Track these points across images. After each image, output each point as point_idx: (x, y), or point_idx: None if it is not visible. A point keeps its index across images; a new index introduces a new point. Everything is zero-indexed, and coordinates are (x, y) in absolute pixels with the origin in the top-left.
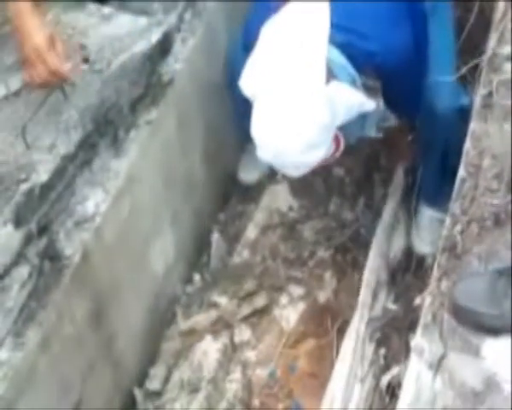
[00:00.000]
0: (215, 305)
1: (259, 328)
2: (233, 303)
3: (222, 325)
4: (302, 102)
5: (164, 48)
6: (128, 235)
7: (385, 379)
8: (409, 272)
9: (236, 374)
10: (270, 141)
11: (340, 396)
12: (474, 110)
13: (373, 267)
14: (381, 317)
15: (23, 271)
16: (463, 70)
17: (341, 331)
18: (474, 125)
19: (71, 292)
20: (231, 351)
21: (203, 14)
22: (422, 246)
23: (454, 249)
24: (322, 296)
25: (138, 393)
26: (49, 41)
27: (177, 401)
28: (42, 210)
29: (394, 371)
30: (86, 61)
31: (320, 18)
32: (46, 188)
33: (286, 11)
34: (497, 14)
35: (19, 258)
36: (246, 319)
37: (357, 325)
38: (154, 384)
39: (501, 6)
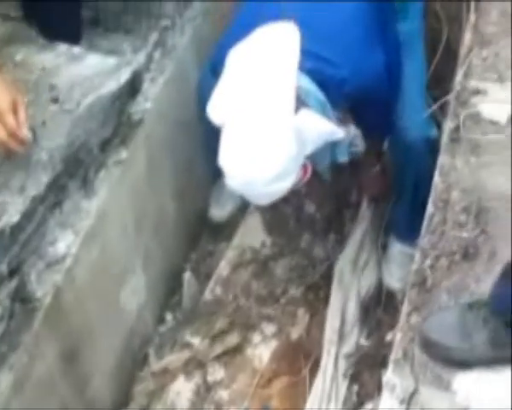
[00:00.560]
0: (188, 345)
1: (232, 367)
2: (205, 342)
3: (195, 365)
4: (270, 134)
5: (133, 87)
6: (99, 275)
7: None
8: (380, 308)
9: None
10: (237, 171)
11: None
12: (441, 144)
13: (336, 303)
14: (353, 353)
15: None
16: (434, 106)
17: (314, 369)
18: (441, 160)
19: (42, 334)
20: (204, 391)
21: (172, 53)
22: (392, 281)
23: (424, 284)
24: (295, 334)
25: None
26: (11, 105)
27: None
28: (12, 251)
29: (367, 407)
30: (55, 101)
31: (289, 44)
32: (17, 229)
33: (254, 36)
34: (464, 49)
35: None
36: (218, 358)
37: (325, 362)
38: None
39: (467, 41)
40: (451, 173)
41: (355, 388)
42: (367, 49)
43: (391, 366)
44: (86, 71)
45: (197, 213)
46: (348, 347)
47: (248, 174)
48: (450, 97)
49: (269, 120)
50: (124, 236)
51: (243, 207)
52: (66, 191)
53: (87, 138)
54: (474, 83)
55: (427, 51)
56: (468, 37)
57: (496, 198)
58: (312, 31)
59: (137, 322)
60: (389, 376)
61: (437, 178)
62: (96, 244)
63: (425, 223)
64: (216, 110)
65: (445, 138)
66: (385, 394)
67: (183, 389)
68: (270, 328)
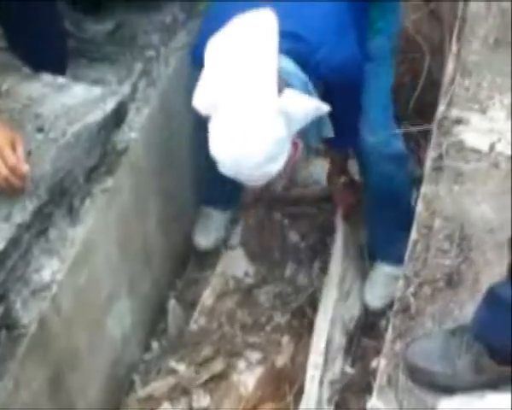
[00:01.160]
0: (173, 371)
1: (218, 393)
2: (191, 369)
3: (180, 392)
4: (256, 117)
5: (118, 117)
6: (85, 303)
7: None
8: (365, 335)
9: None
10: (227, 158)
11: None
12: (425, 173)
13: (320, 329)
14: (338, 380)
15: None
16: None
17: (299, 395)
18: (425, 188)
19: (28, 361)
20: None
21: (157, 84)
22: (374, 300)
23: (408, 311)
24: (280, 361)
25: None
26: (9, 142)
27: None
28: None
29: None
30: (41, 130)
31: (267, 28)
32: (2, 256)
33: (232, 24)
34: (446, 78)
35: None
36: (204, 384)
37: (309, 388)
38: None
39: (449, 70)
40: (434, 201)
41: None
42: (342, 34)
43: (375, 392)
44: (71, 100)
45: (183, 241)
46: (333, 373)
47: (238, 159)
48: (433, 126)
49: (254, 104)
50: (109, 263)
51: (227, 236)
52: (52, 219)
53: (72, 167)
54: (456, 112)
55: (409, 81)
56: (450, 66)
57: (479, 225)
58: (290, 12)
59: (123, 349)
60: (374, 402)
61: (420, 206)
62: (82, 272)
63: (408, 250)
64: (201, 101)
65: (428, 167)
66: None
67: None
68: (255, 355)
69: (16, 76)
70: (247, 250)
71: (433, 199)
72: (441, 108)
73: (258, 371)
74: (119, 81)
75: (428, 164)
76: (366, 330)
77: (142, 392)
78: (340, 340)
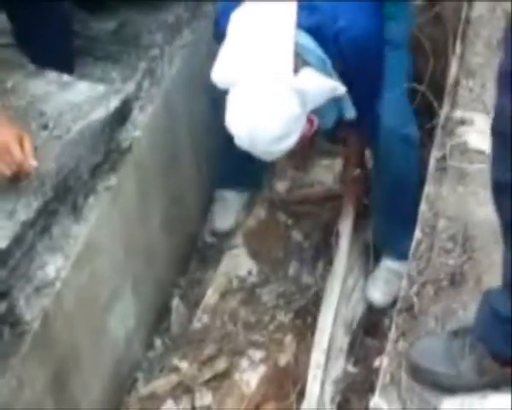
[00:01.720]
0: (176, 369)
1: (220, 392)
2: (194, 367)
3: (183, 390)
4: (270, 96)
5: (122, 115)
6: (88, 300)
7: None
8: (368, 334)
9: None
10: (242, 131)
11: None
12: (428, 174)
13: (323, 328)
14: (341, 379)
15: None
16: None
17: (302, 394)
18: (428, 188)
19: (31, 358)
20: None
21: (161, 82)
22: (377, 296)
23: (411, 310)
24: (283, 360)
25: None
26: (17, 138)
27: None
28: (1, 276)
29: None
30: (45, 127)
31: (287, 4)
32: (6, 254)
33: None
34: (450, 80)
35: None
36: (207, 383)
37: (311, 387)
38: None
39: (453, 72)
40: (438, 202)
41: None
42: (361, 7)
43: (378, 392)
44: (76, 98)
45: (187, 239)
46: (335, 373)
47: (253, 134)
48: (437, 128)
49: (269, 82)
50: (113, 261)
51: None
52: (56, 216)
53: (77, 164)
54: (460, 113)
55: (413, 75)
56: (454, 68)
57: (482, 226)
58: None
59: (126, 347)
60: (376, 401)
61: (424, 207)
62: (85, 269)
63: (412, 250)
64: (220, 74)
65: (431, 167)
66: None
67: None
68: (257, 354)
69: (21, 73)
70: (250, 249)
71: (436, 199)
72: (445, 109)
73: (261, 369)
74: (124, 79)
75: (432, 164)
76: (369, 329)
77: (144, 390)
78: (342, 339)
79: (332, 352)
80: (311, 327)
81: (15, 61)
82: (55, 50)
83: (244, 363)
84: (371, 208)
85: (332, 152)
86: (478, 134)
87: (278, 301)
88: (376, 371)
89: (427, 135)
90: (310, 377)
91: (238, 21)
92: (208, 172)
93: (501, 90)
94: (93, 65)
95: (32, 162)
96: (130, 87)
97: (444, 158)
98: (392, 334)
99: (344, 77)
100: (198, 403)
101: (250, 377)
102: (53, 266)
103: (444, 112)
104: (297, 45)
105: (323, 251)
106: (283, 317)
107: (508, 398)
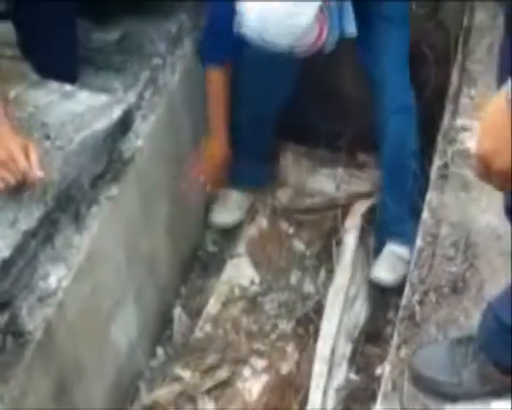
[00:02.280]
0: (178, 378)
1: (223, 400)
2: (196, 376)
3: (185, 399)
4: None
5: (125, 125)
6: (91, 310)
7: None
8: (370, 342)
9: None
10: (252, 11)
11: None
12: (430, 181)
13: (325, 337)
14: (343, 387)
15: None
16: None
17: (304, 403)
18: (430, 195)
19: (34, 368)
20: None
21: (163, 92)
22: (384, 274)
23: (413, 318)
24: (285, 368)
25: None
26: (22, 148)
27: None
28: (4, 285)
29: None
30: (47, 138)
31: None
32: (8, 263)
33: None
34: (452, 88)
35: None
36: (209, 391)
37: (314, 396)
38: None
39: (455, 80)
40: (440, 209)
41: None
42: None
43: (380, 399)
44: (78, 108)
45: (189, 248)
46: (338, 381)
47: (263, 12)
48: (439, 135)
49: None
50: (115, 270)
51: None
52: (58, 226)
53: (79, 174)
54: (462, 121)
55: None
56: (456, 75)
57: (484, 233)
58: None
59: (128, 356)
60: (378, 409)
61: (426, 214)
62: (88, 279)
63: (414, 258)
64: None
65: (433, 175)
66: None
67: None
68: (260, 363)
69: (23, 83)
70: (252, 258)
71: (438, 207)
72: (447, 116)
73: (264, 378)
74: (126, 89)
75: (434, 172)
76: (371, 337)
77: (147, 399)
78: (344, 347)
79: (334, 360)
80: (313, 336)
81: (17, 71)
82: (61, 58)
83: (246, 372)
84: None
85: (332, 161)
86: None
87: (280, 309)
88: (378, 379)
89: (430, 142)
90: (312, 386)
91: None
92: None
93: None
94: (95, 75)
95: (38, 172)
96: (132, 97)
97: (445, 165)
98: (395, 342)
99: None
100: None
101: (252, 385)
102: (55, 277)
103: (445, 119)
104: None
105: (325, 260)
106: (285, 325)
107: (510, 405)
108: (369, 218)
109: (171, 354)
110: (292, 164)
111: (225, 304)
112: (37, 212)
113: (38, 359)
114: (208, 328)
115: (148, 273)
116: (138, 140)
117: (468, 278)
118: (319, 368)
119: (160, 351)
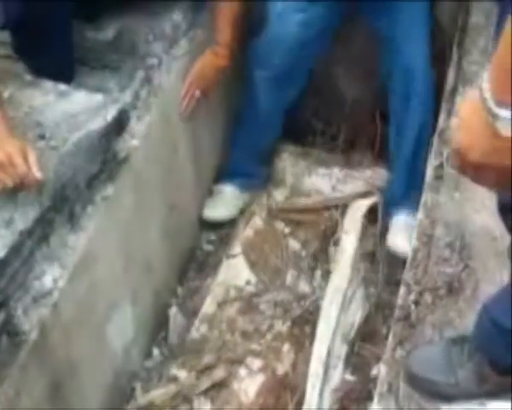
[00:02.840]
0: (174, 379)
1: (219, 401)
2: (192, 377)
3: (181, 399)
4: None
5: (120, 125)
6: (86, 310)
7: None
8: (366, 343)
9: None
10: None
11: None
12: (425, 182)
13: (321, 337)
14: (339, 388)
15: None
16: None
17: (300, 403)
18: (425, 196)
19: (29, 368)
20: None
21: (159, 92)
22: (399, 243)
23: (408, 318)
24: (281, 369)
25: None
26: (20, 150)
27: None
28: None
29: None
30: (42, 138)
31: None
32: (3, 263)
33: None
34: (447, 88)
35: None
36: (205, 392)
37: (310, 397)
38: None
39: (450, 80)
40: (435, 209)
41: None
42: None
43: (376, 400)
44: (73, 108)
45: (185, 248)
46: (333, 382)
47: None
48: (435, 135)
49: None
50: (111, 270)
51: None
52: (54, 226)
53: (74, 174)
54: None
55: None
56: (451, 76)
57: (479, 234)
58: None
59: (124, 357)
60: (374, 409)
61: (421, 214)
62: (83, 279)
63: (409, 258)
64: None
65: (428, 175)
66: None
67: None
68: (256, 363)
69: (17, 83)
70: (247, 258)
71: (433, 207)
72: (442, 116)
73: (259, 379)
74: (121, 89)
75: (429, 172)
76: (366, 337)
77: (142, 399)
78: (340, 348)
79: (330, 361)
80: (309, 336)
81: (12, 71)
82: (56, 58)
83: (242, 372)
84: (391, 161)
85: (329, 161)
86: None
87: (276, 310)
88: (374, 379)
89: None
90: (308, 387)
91: None
92: (206, 182)
93: None
94: (90, 74)
95: (37, 174)
96: (127, 97)
97: (441, 166)
98: (390, 342)
99: None
100: None
101: (248, 386)
102: (50, 277)
103: (441, 119)
104: None
105: (321, 260)
106: (281, 326)
107: (507, 406)
108: (369, 218)
109: (166, 355)
110: (288, 164)
111: (221, 304)
112: (33, 212)
113: (33, 359)
114: (204, 328)
115: (143, 273)
116: (133, 140)
117: (463, 278)
118: (315, 368)
119: (155, 351)
